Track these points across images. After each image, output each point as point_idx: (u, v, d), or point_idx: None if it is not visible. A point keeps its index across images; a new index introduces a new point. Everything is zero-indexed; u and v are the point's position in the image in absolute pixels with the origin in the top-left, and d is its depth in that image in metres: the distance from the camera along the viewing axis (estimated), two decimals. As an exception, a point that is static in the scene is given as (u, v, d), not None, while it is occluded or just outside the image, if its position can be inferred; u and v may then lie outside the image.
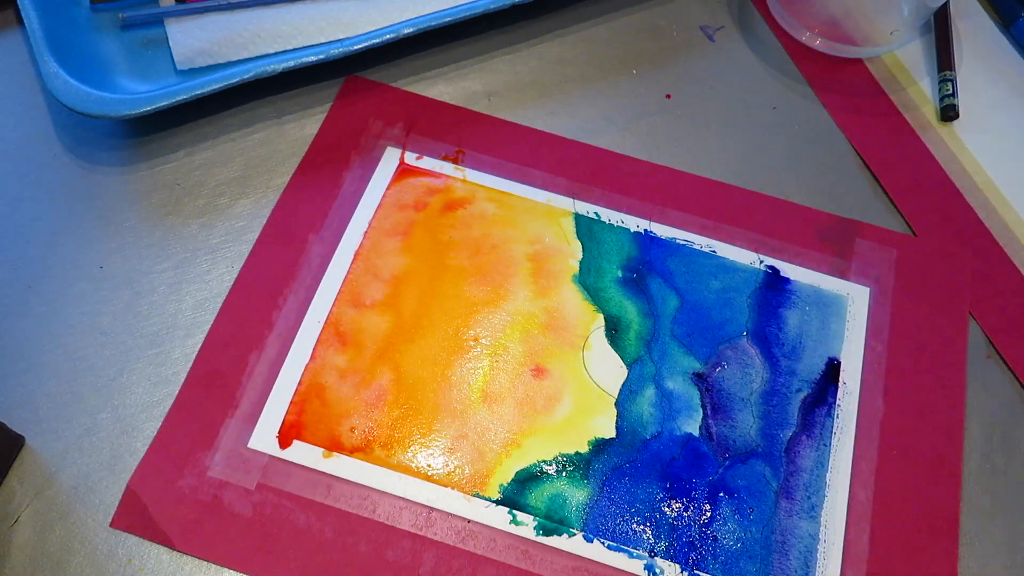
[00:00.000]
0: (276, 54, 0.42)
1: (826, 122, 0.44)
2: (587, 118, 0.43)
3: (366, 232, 0.39)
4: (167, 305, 0.38)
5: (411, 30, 0.42)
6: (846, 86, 0.45)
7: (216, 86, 0.39)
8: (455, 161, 0.41)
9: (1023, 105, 0.44)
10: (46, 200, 0.40)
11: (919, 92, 0.45)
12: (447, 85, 0.44)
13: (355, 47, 0.41)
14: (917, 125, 0.44)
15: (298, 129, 0.42)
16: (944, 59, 0.45)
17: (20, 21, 0.45)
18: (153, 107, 0.39)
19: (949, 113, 0.43)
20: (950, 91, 0.44)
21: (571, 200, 0.40)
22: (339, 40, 0.42)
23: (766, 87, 0.45)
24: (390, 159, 0.41)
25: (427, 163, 0.41)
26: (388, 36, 0.41)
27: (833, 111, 0.44)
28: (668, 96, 0.44)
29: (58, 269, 0.38)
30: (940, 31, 0.46)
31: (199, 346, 0.36)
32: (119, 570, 0.33)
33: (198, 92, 0.39)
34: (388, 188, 0.40)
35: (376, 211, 0.39)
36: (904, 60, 0.46)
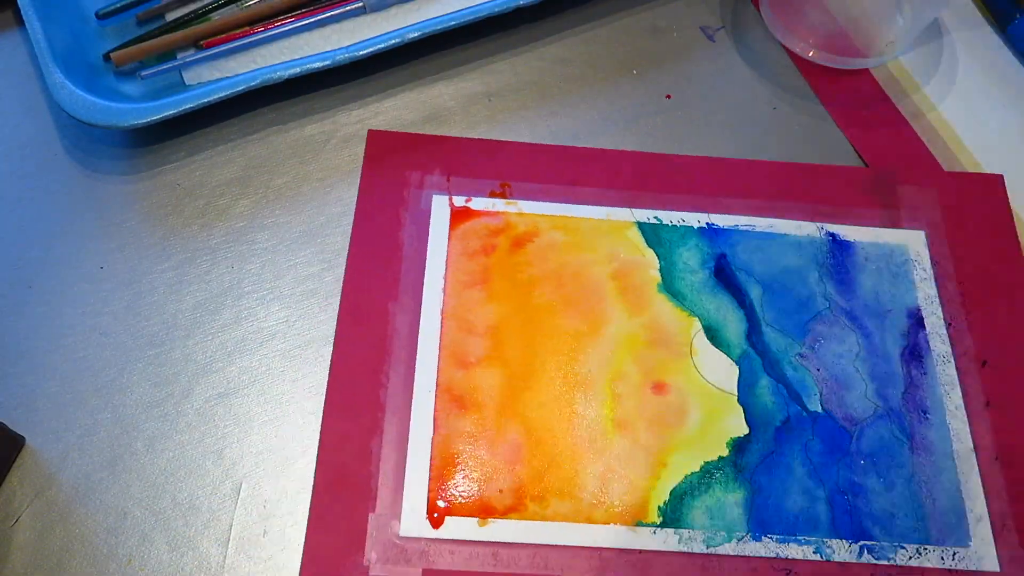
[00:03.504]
0: (282, 63, 0.41)
1: (826, 122, 0.44)
2: (588, 118, 0.43)
3: (444, 288, 0.38)
4: (167, 305, 0.38)
5: (416, 35, 0.41)
6: (847, 87, 0.45)
7: (223, 94, 0.39)
8: (503, 196, 0.41)
9: (1020, 106, 0.45)
10: (46, 200, 0.40)
11: (922, 96, 0.45)
12: (447, 86, 0.44)
13: (361, 52, 0.41)
14: (918, 127, 0.44)
15: (298, 129, 0.42)
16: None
17: (20, 22, 0.44)
18: (160, 116, 0.39)
19: None
20: None
21: (628, 210, 0.40)
22: (344, 47, 0.41)
23: (766, 87, 0.45)
24: (440, 208, 0.40)
25: (478, 203, 0.40)
26: (393, 41, 0.41)
27: (833, 111, 0.44)
28: (668, 96, 0.45)
29: (58, 269, 0.38)
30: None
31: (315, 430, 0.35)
32: (119, 570, 0.33)
33: (205, 101, 0.39)
34: (449, 239, 0.39)
35: (446, 265, 0.38)
36: (906, 63, 0.46)
